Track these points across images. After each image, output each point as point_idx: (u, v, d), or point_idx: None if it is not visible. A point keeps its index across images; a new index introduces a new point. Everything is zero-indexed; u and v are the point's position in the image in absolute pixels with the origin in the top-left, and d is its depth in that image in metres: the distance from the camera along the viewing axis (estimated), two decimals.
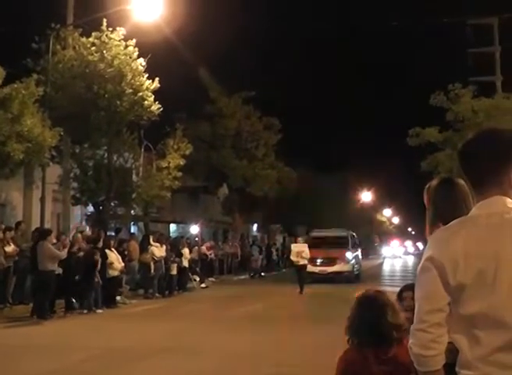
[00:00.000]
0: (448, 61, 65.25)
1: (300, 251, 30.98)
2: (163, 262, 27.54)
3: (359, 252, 42.50)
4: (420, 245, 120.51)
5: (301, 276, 30.54)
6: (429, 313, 2.92)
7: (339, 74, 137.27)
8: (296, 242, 33.05)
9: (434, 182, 4.11)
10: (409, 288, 7.11)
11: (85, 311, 20.82)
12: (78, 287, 21.10)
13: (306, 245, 31.83)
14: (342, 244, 38.04)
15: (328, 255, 36.46)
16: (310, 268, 33.32)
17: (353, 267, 38.25)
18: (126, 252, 26.14)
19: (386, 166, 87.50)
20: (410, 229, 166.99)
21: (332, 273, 36.43)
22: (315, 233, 40.91)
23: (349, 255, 37.78)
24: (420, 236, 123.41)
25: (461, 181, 3.94)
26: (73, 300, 21.07)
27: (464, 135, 21.27)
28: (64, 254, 19.98)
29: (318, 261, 36.08)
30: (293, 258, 31.64)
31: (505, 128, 3.21)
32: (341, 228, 42.50)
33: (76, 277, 20.94)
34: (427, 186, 3.75)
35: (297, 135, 67.07)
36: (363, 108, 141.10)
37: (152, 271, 26.86)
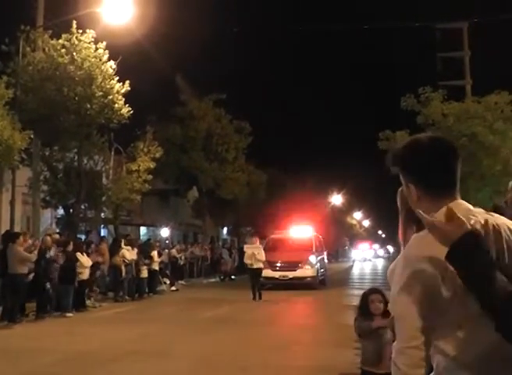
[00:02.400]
0: (420, 64, 65.66)
1: (253, 252, 28.23)
2: (133, 265, 27.49)
3: (324, 255, 39.57)
4: (390, 248, 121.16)
5: (256, 282, 27.77)
6: (420, 330, 2.82)
7: (310, 77, 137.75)
8: (250, 243, 30.10)
9: None
10: (375, 291, 7.33)
11: (56, 314, 20.77)
12: (47, 290, 20.99)
13: (260, 246, 29.34)
14: (305, 246, 34.98)
15: (289, 259, 33.17)
16: (269, 273, 31.44)
17: (318, 272, 34.75)
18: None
19: (357, 169, 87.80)
20: (380, 232, 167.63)
21: (294, 278, 32.90)
22: (276, 235, 37.82)
23: (313, 258, 34.36)
24: (390, 239, 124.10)
25: None
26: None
27: None
28: (34, 257, 19.86)
29: (279, 265, 33.04)
30: (246, 260, 28.73)
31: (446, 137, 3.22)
32: (305, 229, 38.48)
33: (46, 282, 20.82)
34: (400, 189, 3.79)
35: (267, 138, 67.11)
36: (335, 111, 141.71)
37: (123, 274, 26.76)
